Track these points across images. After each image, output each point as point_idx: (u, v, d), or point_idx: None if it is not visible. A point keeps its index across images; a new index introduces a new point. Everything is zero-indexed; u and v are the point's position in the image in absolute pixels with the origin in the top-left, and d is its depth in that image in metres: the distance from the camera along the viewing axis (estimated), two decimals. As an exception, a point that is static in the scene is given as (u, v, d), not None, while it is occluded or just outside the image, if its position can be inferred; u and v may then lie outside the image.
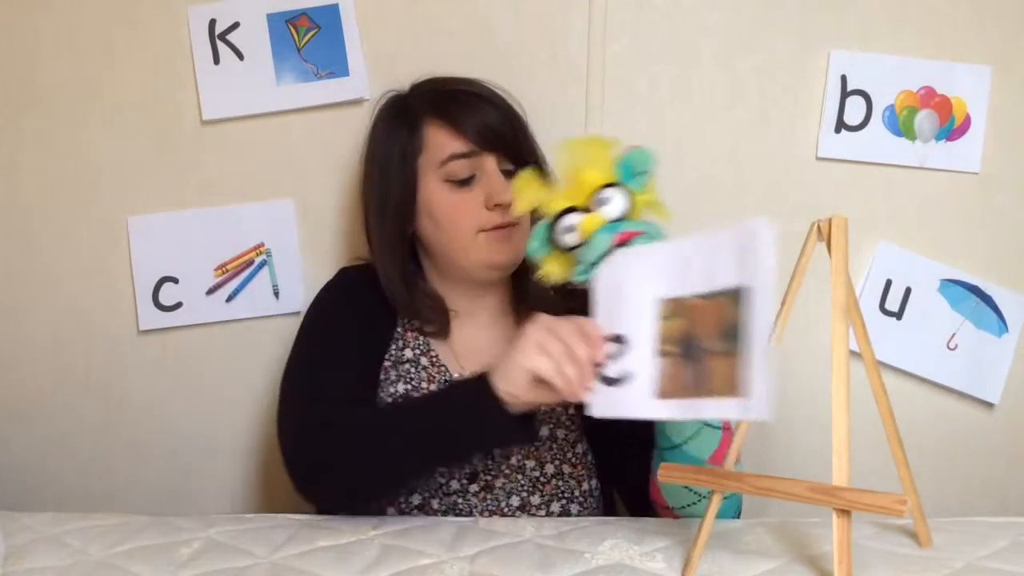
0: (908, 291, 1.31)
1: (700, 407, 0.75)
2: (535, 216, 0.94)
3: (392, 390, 1.10)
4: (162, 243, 1.32)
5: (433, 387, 1.10)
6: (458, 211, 1.07)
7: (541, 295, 1.12)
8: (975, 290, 1.30)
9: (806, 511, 0.82)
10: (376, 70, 1.29)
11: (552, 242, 0.90)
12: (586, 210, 0.88)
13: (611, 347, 0.83)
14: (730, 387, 0.72)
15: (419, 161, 1.09)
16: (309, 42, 1.30)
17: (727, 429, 0.96)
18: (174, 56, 1.30)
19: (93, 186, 1.32)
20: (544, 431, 1.10)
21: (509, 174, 1.08)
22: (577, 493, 1.09)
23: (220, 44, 1.29)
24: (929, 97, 1.28)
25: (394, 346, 1.12)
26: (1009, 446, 1.34)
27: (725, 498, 0.97)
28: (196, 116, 1.30)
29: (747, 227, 0.76)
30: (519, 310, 1.15)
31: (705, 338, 0.76)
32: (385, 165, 1.11)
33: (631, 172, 0.89)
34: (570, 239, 0.88)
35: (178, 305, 1.33)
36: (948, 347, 1.30)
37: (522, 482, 1.08)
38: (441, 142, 1.07)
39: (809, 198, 1.29)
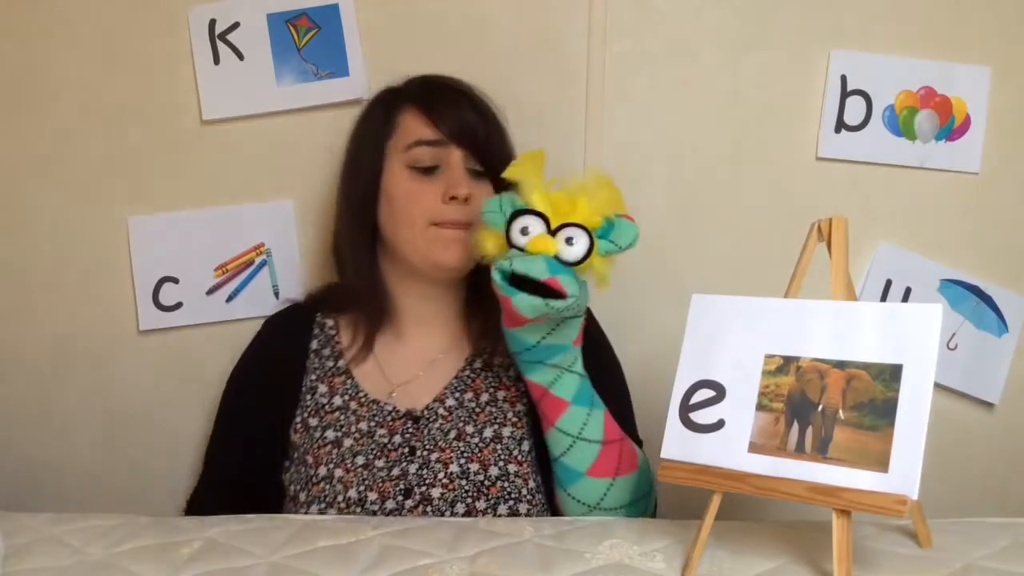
0: (908, 291, 1.31)
1: (812, 470, 0.74)
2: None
3: (319, 436, 1.08)
4: (162, 243, 1.32)
5: (363, 425, 1.08)
6: (414, 199, 1.07)
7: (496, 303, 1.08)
8: (975, 290, 1.30)
9: (806, 511, 0.82)
10: (376, 70, 1.29)
11: (502, 222, 0.92)
12: (548, 226, 0.90)
13: (704, 393, 0.83)
14: (868, 460, 0.72)
15: (388, 144, 1.10)
16: (309, 42, 1.30)
17: (608, 443, 0.98)
18: (174, 56, 1.30)
19: (93, 186, 1.32)
20: (488, 432, 1.07)
21: (476, 174, 1.09)
22: (524, 492, 1.06)
23: (220, 44, 1.29)
24: (929, 97, 1.28)
25: (314, 394, 1.11)
26: (1009, 446, 1.34)
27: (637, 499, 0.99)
28: (196, 116, 1.30)
29: (916, 309, 0.75)
30: (470, 317, 1.14)
31: (830, 404, 0.76)
32: (358, 150, 1.13)
33: (609, 233, 0.91)
34: (517, 238, 0.90)
35: (178, 305, 1.33)
36: (948, 347, 1.31)
37: (466, 487, 1.04)
38: (412, 127, 1.08)
39: (809, 198, 1.29)
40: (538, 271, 0.88)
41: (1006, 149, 1.29)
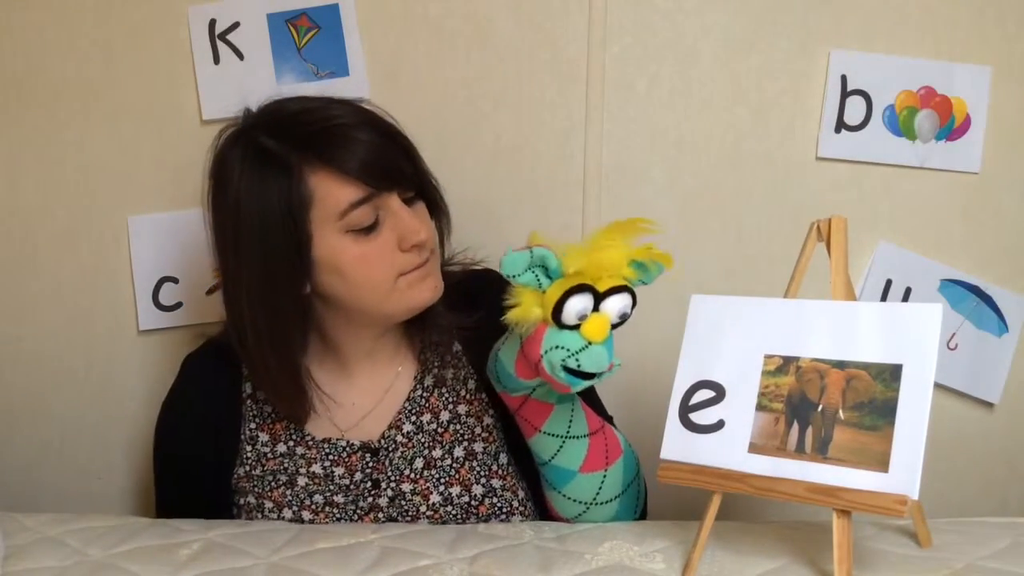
0: (908, 291, 1.31)
1: (812, 471, 0.75)
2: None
3: (271, 480, 1.05)
4: (162, 243, 1.32)
5: (316, 468, 1.04)
6: (372, 263, 0.96)
7: (437, 321, 1.05)
8: (975, 290, 1.30)
9: (806, 511, 0.83)
10: (376, 70, 1.29)
11: (537, 280, 0.80)
12: (595, 292, 0.79)
13: (704, 393, 0.82)
14: (868, 460, 0.72)
15: (311, 215, 0.95)
16: (309, 42, 1.30)
17: (594, 433, 0.96)
18: (174, 56, 1.29)
19: (93, 186, 1.32)
20: (459, 451, 1.05)
21: (410, 202, 0.99)
22: (516, 504, 1.04)
23: (220, 44, 1.29)
24: (929, 97, 1.28)
25: (255, 444, 1.07)
26: (1009, 446, 1.34)
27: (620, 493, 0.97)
28: (196, 116, 1.30)
29: (916, 309, 0.75)
30: (412, 336, 1.08)
31: (830, 404, 0.76)
32: (265, 225, 0.95)
33: (639, 272, 0.82)
34: (571, 319, 0.79)
35: (178, 305, 1.33)
36: (948, 347, 1.30)
37: (453, 512, 1.02)
38: (333, 192, 0.94)
39: (809, 198, 1.29)
40: (604, 365, 0.80)
41: (1006, 149, 1.29)
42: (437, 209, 1.06)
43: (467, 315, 1.04)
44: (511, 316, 0.80)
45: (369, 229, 0.96)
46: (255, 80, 1.29)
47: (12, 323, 1.34)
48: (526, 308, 0.80)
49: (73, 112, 1.31)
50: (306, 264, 0.96)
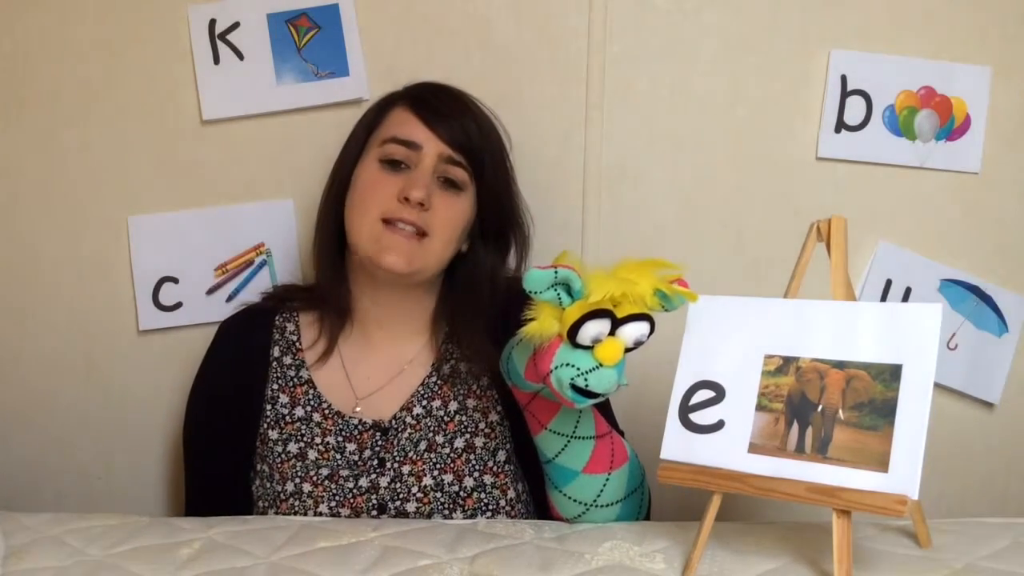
0: (908, 291, 1.31)
1: (812, 471, 0.75)
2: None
3: (282, 450, 1.08)
4: (162, 243, 1.32)
5: (330, 439, 1.08)
6: (373, 189, 1.05)
7: (463, 315, 1.10)
8: (975, 290, 1.30)
9: (806, 511, 0.83)
10: (376, 70, 1.29)
11: (559, 298, 0.80)
12: (614, 318, 0.80)
13: (704, 393, 0.82)
14: (868, 460, 0.72)
15: (372, 136, 1.10)
16: (309, 42, 1.30)
17: (600, 436, 0.96)
18: (174, 56, 1.29)
19: (93, 186, 1.32)
20: (460, 442, 1.07)
21: (450, 185, 1.07)
22: (503, 503, 1.06)
23: (220, 44, 1.29)
24: (929, 97, 1.28)
25: (274, 404, 1.10)
26: (1009, 446, 1.34)
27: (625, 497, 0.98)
28: (196, 116, 1.30)
29: (916, 309, 0.75)
30: (436, 324, 1.13)
31: (829, 405, 0.76)
32: (346, 144, 1.14)
33: (666, 304, 0.82)
34: (585, 341, 0.79)
35: (178, 305, 1.33)
36: (948, 347, 1.30)
37: (441, 500, 1.05)
38: (396, 122, 1.08)
39: (809, 198, 1.29)
40: (611, 387, 0.81)
41: (1006, 149, 1.29)
42: (500, 238, 1.14)
43: (494, 316, 1.08)
44: (528, 330, 0.81)
45: (393, 165, 1.06)
46: (255, 80, 1.29)
47: (12, 323, 1.34)
48: (543, 323, 0.81)
49: (73, 112, 1.31)
50: (350, 176, 1.09)
